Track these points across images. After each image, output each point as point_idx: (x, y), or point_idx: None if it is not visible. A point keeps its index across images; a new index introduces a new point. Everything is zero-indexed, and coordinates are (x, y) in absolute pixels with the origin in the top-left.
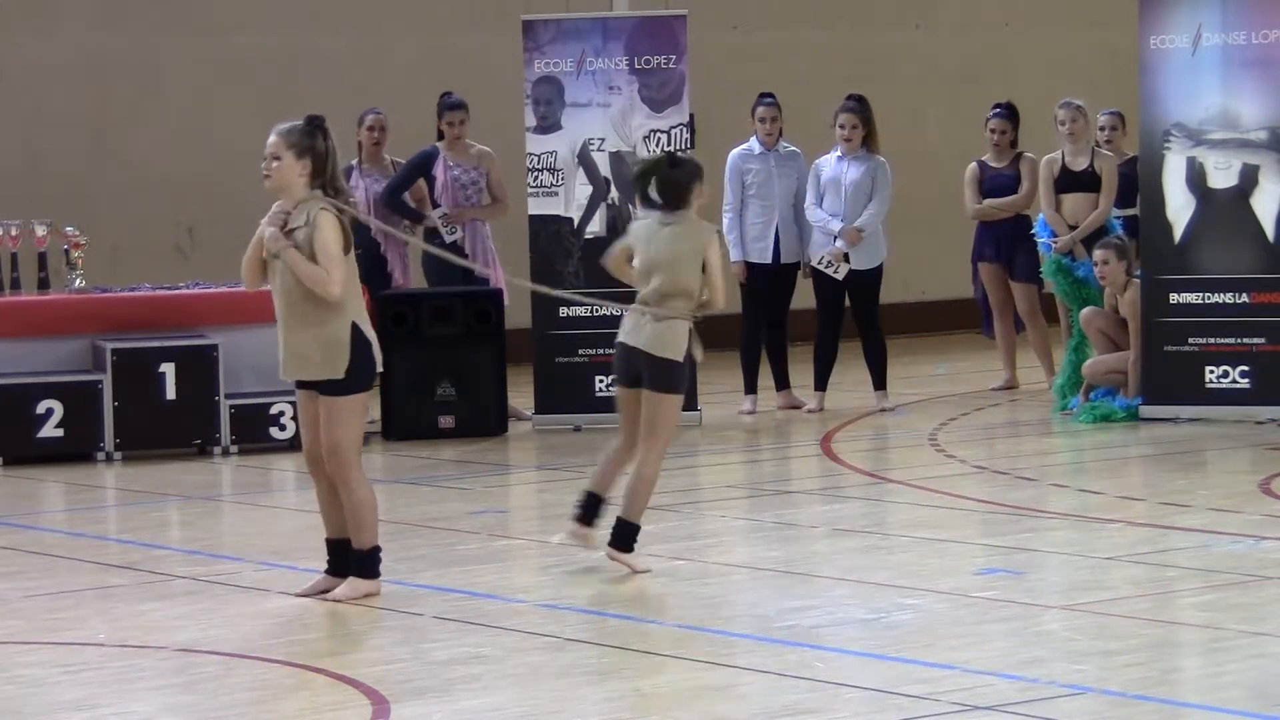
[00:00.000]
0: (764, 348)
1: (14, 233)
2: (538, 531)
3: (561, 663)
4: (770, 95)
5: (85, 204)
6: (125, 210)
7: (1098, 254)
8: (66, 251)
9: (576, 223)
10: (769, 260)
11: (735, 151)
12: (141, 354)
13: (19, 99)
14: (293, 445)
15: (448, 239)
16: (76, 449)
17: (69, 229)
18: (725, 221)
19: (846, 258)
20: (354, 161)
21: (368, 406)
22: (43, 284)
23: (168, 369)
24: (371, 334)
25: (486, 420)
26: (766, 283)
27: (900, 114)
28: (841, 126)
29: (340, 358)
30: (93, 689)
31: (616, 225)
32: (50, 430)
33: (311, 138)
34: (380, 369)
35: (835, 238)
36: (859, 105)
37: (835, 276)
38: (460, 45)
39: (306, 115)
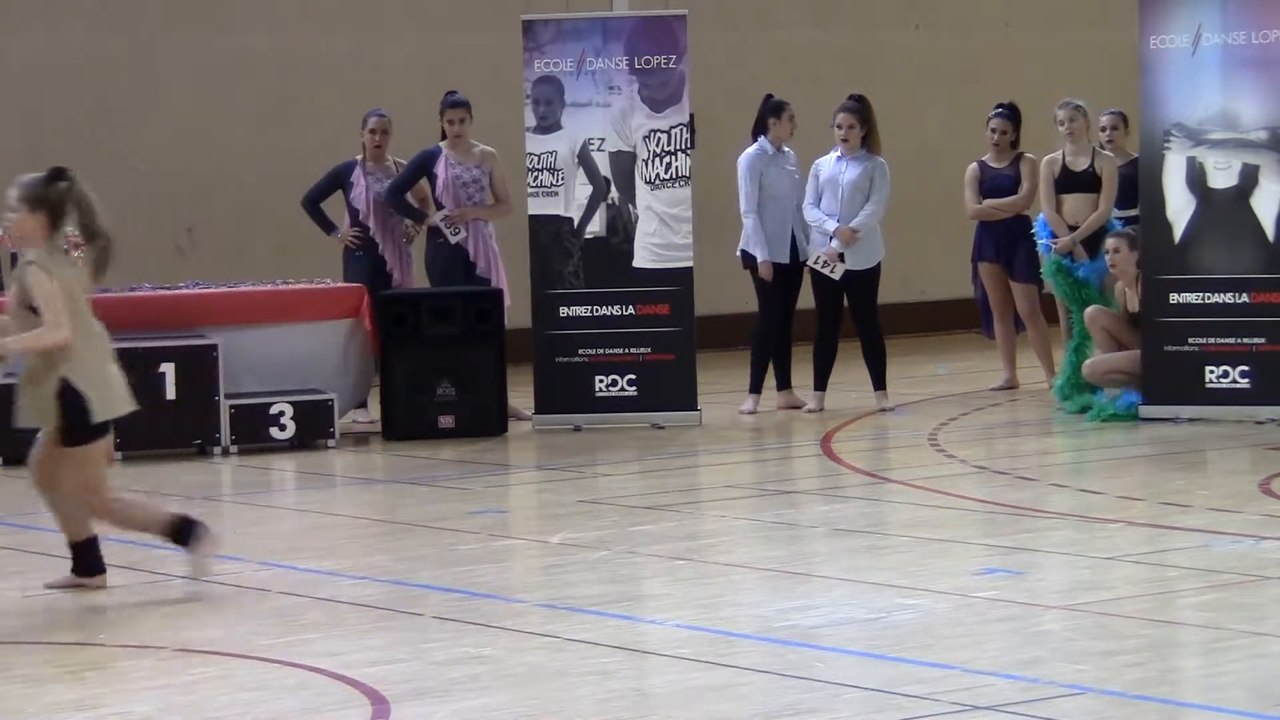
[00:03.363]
0: None
1: None
2: (538, 531)
3: (561, 663)
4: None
5: None
6: (125, 210)
7: (1110, 242)
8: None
9: (576, 223)
10: (787, 260)
11: (748, 152)
12: (141, 354)
13: (19, 99)
14: (293, 445)
15: (451, 239)
16: None
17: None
18: (749, 223)
19: (841, 258)
20: (358, 158)
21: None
22: None
23: (168, 369)
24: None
25: (486, 420)
26: (783, 282)
27: (900, 114)
28: (839, 126)
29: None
30: (93, 689)
31: (616, 225)
32: None
33: (46, 188)
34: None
35: (830, 238)
36: (858, 105)
37: (831, 276)
38: (460, 45)
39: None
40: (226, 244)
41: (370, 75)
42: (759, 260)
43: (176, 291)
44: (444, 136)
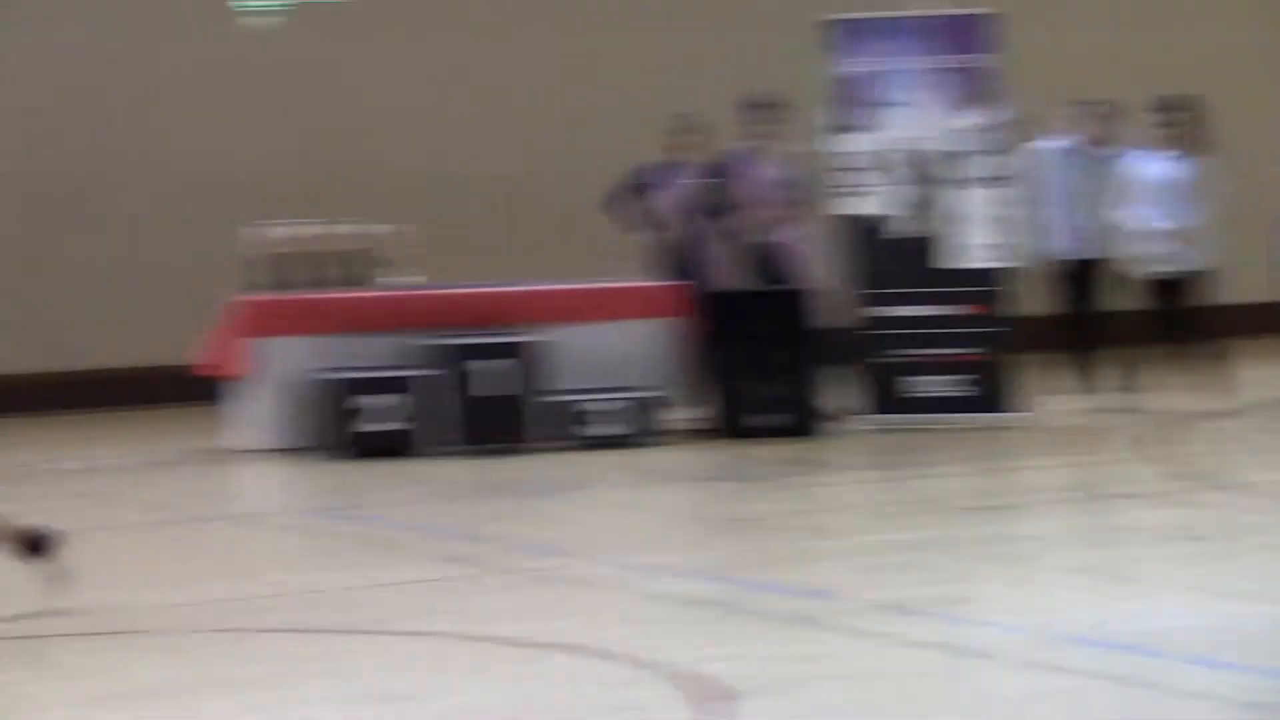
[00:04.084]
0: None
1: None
2: (858, 531)
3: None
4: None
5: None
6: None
7: None
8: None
9: (887, 222)
10: (1081, 257)
11: (1045, 147)
12: (471, 350)
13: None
14: (614, 442)
15: (760, 240)
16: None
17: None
18: (1042, 219)
19: (1170, 259)
20: (663, 160)
21: None
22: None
23: (492, 366)
24: None
25: (804, 420)
26: (1082, 280)
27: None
28: (1160, 126)
29: None
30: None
31: (929, 225)
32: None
33: None
34: None
35: (1156, 238)
36: (1179, 104)
37: (1160, 278)
38: (763, 45)
39: None
40: (537, 244)
41: (669, 74)
42: (1051, 257)
43: (499, 289)
44: (748, 138)
